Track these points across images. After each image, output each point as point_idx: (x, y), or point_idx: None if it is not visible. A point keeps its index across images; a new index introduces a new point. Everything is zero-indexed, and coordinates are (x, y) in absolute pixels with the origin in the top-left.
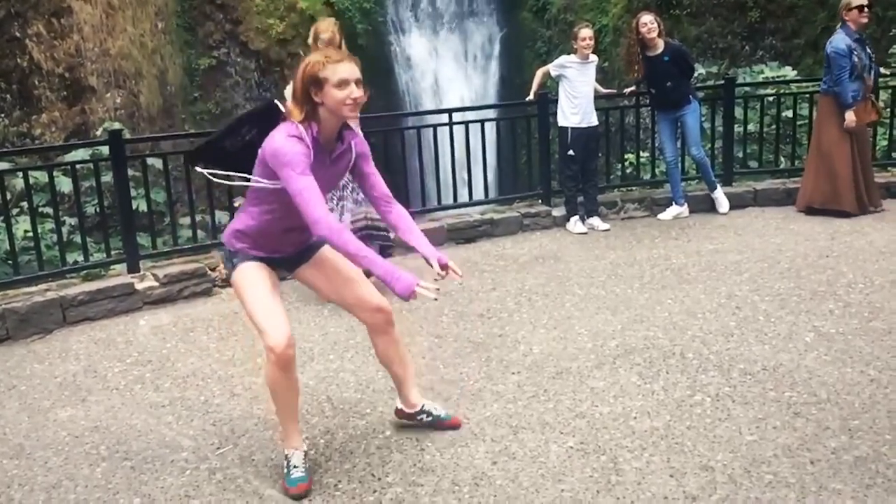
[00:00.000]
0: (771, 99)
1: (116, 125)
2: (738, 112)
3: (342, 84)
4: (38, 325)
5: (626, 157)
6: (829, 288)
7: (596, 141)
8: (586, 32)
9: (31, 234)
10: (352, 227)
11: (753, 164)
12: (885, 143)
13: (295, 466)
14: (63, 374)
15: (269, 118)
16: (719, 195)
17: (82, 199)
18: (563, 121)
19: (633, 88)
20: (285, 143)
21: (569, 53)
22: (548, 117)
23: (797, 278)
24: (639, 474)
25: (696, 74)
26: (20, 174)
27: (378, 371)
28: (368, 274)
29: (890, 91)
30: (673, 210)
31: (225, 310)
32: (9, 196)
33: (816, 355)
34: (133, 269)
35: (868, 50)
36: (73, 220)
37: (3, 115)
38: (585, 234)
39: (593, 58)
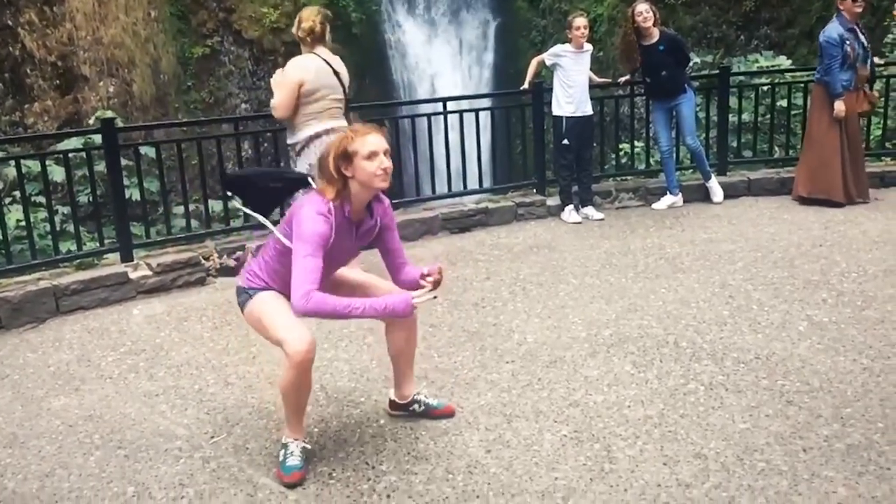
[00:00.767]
0: (765, 88)
1: (109, 114)
2: (733, 101)
3: (372, 156)
4: (31, 315)
5: (620, 146)
6: (822, 277)
7: (590, 130)
8: (581, 21)
9: (23, 223)
10: None
11: (748, 153)
12: (879, 132)
13: (292, 454)
14: (56, 364)
15: (299, 186)
16: (714, 185)
17: (75, 188)
18: (557, 110)
19: (627, 78)
20: (310, 220)
21: (563, 43)
22: (542, 106)
23: (791, 267)
24: (632, 462)
25: (690, 63)
26: (12, 163)
27: (372, 360)
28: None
29: (884, 81)
30: (667, 199)
31: (219, 299)
32: (1, 185)
33: (809, 344)
34: (126, 258)
35: (862, 39)
36: (65, 210)
37: None
38: (580, 223)
39: (588, 47)
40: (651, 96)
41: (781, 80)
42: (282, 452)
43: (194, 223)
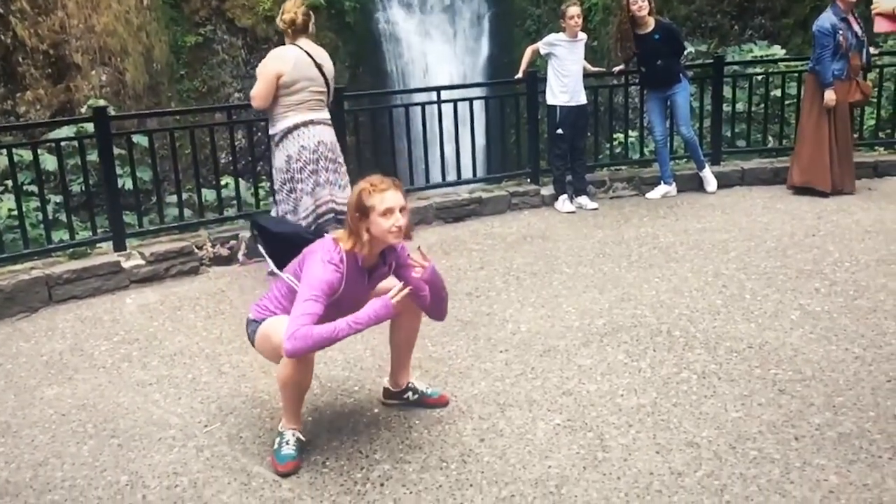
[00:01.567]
0: (760, 78)
1: (101, 102)
2: (727, 91)
3: (388, 213)
4: (24, 304)
5: (614, 136)
6: (815, 266)
7: (585, 119)
8: (574, 10)
9: (15, 212)
10: (316, 212)
11: (741, 143)
12: (872, 122)
13: (287, 443)
14: (49, 353)
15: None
16: (707, 174)
17: (67, 177)
18: (551, 99)
19: (622, 67)
20: (320, 267)
21: (558, 32)
22: (537, 96)
23: (784, 257)
24: (625, 451)
25: (685, 53)
26: (4, 152)
27: (366, 349)
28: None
29: (877, 71)
30: (661, 189)
31: (212, 288)
32: None
33: (802, 333)
34: (119, 247)
35: (856, 29)
36: (58, 199)
37: None
38: (574, 212)
39: (582, 36)
40: (646, 86)
41: (776, 70)
42: (277, 441)
43: (187, 212)
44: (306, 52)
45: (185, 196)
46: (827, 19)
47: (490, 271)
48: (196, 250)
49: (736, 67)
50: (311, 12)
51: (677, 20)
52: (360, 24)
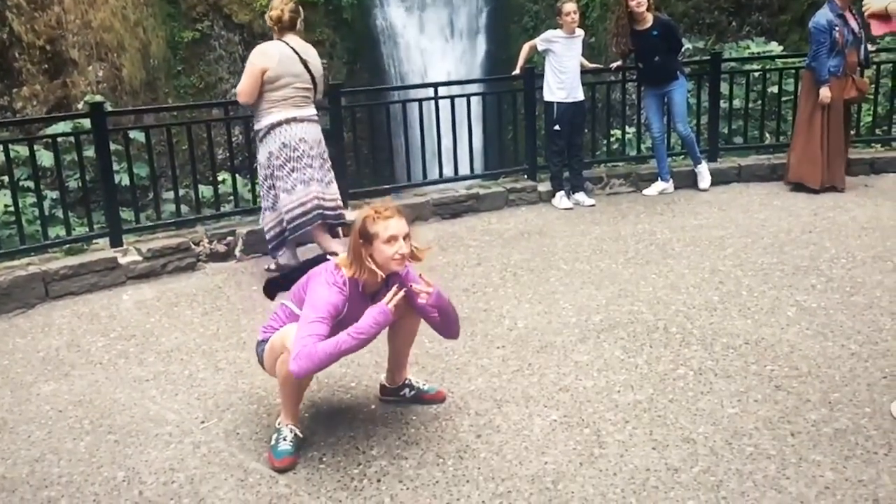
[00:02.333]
0: (757, 75)
1: (98, 98)
2: (724, 88)
3: (391, 240)
4: (21, 300)
5: (612, 132)
6: (811, 263)
7: (582, 116)
8: (570, 7)
9: (12, 208)
10: (301, 209)
11: (738, 140)
12: (869, 119)
13: (284, 439)
14: (46, 349)
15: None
16: (703, 170)
17: (64, 172)
18: (549, 96)
19: (619, 63)
20: (323, 288)
21: (555, 28)
22: (534, 92)
23: (780, 253)
24: (621, 447)
25: (683, 50)
26: (0, 148)
27: None
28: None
29: (874, 68)
30: (658, 185)
31: (209, 284)
32: None
33: (798, 329)
34: (116, 243)
35: (852, 25)
36: (54, 195)
37: None
38: (571, 209)
39: (579, 32)
40: (643, 82)
41: (773, 67)
42: (274, 437)
43: (184, 208)
44: (292, 48)
45: (181, 192)
46: (823, 16)
47: (487, 267)
48: (193, 246)
49: (733, 64)
50: (299, 9)
51: (675, 17)
52: (357, 20)
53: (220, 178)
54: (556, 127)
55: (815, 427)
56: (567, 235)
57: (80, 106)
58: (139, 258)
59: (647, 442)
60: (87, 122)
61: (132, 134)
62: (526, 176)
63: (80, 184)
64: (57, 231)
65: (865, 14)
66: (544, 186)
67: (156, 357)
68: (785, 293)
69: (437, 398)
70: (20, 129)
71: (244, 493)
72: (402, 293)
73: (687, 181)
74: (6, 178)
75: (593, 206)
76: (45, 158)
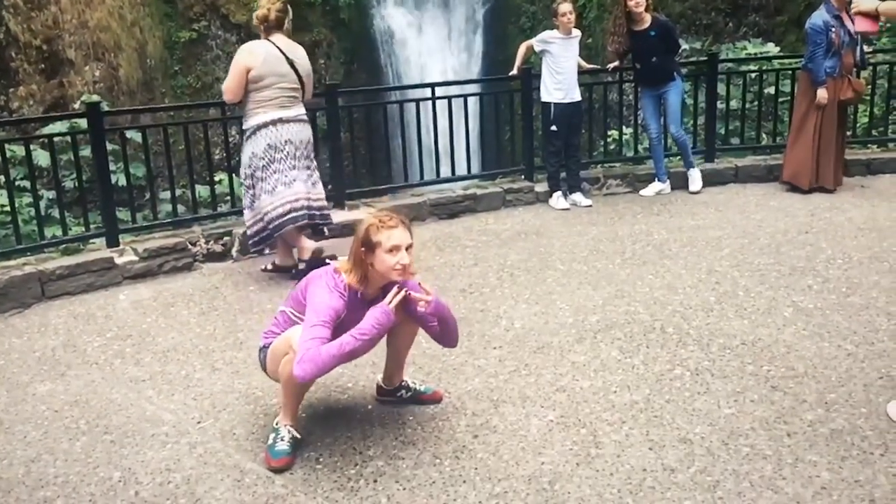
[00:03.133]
0: (753, 75)
1: (95, 98)
2: (721, 88)
3: (394, 250)
4: (17, 300)
5: (609, 133)
6: (808, 263)
7: (579, 117)
8: (566, 7)
9: (8, 208)
10: (288, 207)
11: (735, 140)
12: (865, 120)
13: (282, 439)
14: (42, 349)
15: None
16: (695, 173)
17: (60, 172)
18: (546, 96)
19: (616, 64)
20: (324, 292)
21: (552, 29)
22: (531, 92)
23: (777, 254)
24: (618, 447)
25: (680, 50)
26: None
27: None
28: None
29: (871, 69)
30: (655, 186)
31: (206, 284)
32: None
33: (795, 330)
34: (112, 243)
35: (849, 26)
36: (51, 194)
37: None
38: (568, 209)
39: (576, 33)
40: (640, 83)
41: (769, 68)
42: (272, 436)
43: (181, 208)
44: (279, 47)
45: (178, 192)
46: (820, 17)
47: (484, 268)
48: (190, 246)
49: (730, 65)
50: (287, 8)
51: (672, 17)
52: (354, 20)
53: (216, 178)
54: (553, 127)
55: (811, 427)
56: (564, 236)
57: (76, 106)
58: (136, 258)
59: (644, 442)
60: (83, 122)
61: (129, 134)
62: (523, 176)
63: (77, 184)
64: (53, 231)
65: (852, 11)
66: (541, 187)
67: (152, 357)
68: (781, 294)
69: (434, 399)
70: (16, 128)
71: (240, 493)
72: (402, 293)
73: (684, 182)
74: (2, 178)
75: (590, 206)
76: (42, 158)
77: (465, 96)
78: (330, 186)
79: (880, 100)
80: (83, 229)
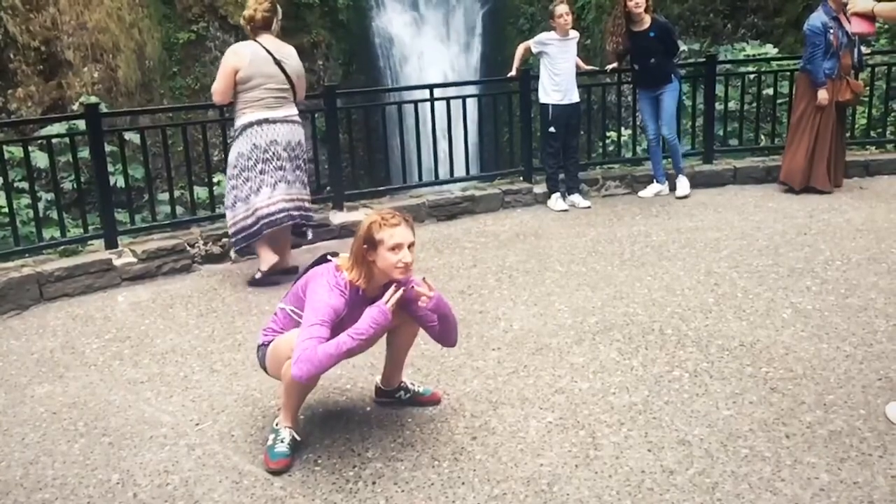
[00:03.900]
0: (752, 77)
1: (93, 99)
2: (719, 90)
3: (396, 248)
4: (15, 302)
5: (607, 134)
6: (806, 265)
7: (577, 118)
8: (562, 9)
9: (6, 209)
10: (272, 209)
11: (734, 141)
12: (864, 121)
13: (282, 441)
14: (40, 351)
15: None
16: (683, 180)
17: (59, 174)
18: (544, 98)
19: (615, 65)
20: (325, 291)
21: (549, 30)
22: (529, 94)
23: (775, 255)
24: (617, 448)
25: (679, 52)
26: None
27: None
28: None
29: (869, 70)
30: (654, 188)
31: (204, 286)
32: None
33: (793, 331)
34: (111, 245)
35: (847, 28)
36: (49, 196)
37: None
38: (566, 211)
39: (574, 34)
40: (638, 84)
41: (768, 69)
42: (272, 437)
43: (179, 210)
44: (266, 48)
45: (177, 193)
46: (818, 18)
47: (483, 269)
48: (188, 248)
49: (728, 66)
50: (276, 9)
51: (670, 19)
52: (353, 21)
53: (215, 180)
54: (551, 129)
55: (810, 429)
56: (563, 237)
57: (75, 107)
58: (134, 260)
59: (643, 444)
60: (82, 124)
61: (127, 135)
62: (522, 178)
63: (75, 185)
64: (52, 232)
65: (849, 11)
66: (540, 188)
67: (150, 359)
68: (780, 295)
69: (433, 400)
70: (15, 130)
71: (239, 495)
72: (400, 292)
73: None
74: (1, 180)
75: (589, 207)
76: (40, 159)
77: (463, 98)
78: (328, 188)
79: (878, 101)
80: (81, 231)
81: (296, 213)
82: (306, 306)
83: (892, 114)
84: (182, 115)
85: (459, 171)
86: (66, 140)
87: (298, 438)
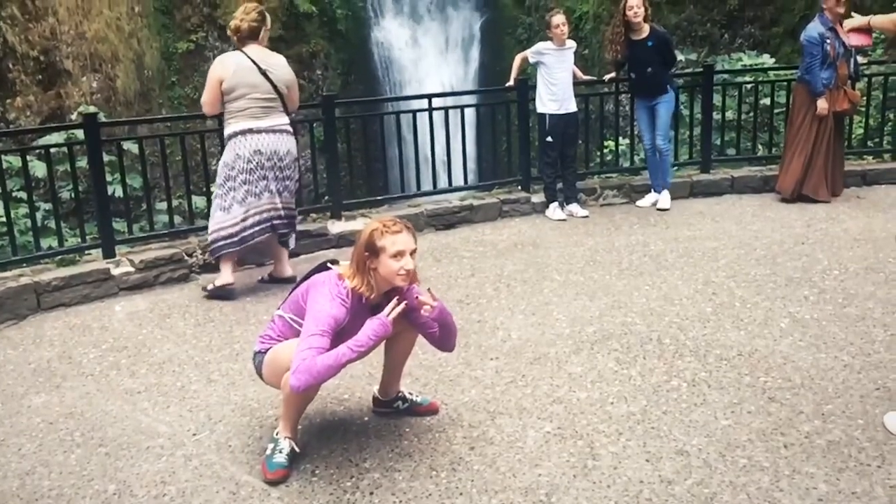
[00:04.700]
0: (749, 87)
1: (92, 109)
2: (717, 100)
3: (398, 255)
4: (12, 311)
5: (605, 144)
6: (804, 274)
7: (575, 127)
8: (559, 19)
9: (3, 219)
10: (257, 219)
11: (731, 151)
12: (860, 131)
13: (280, 451)
14: (37, 361)
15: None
16: (665, 193)
17: (57, 183)
18: (541, 107)
19: (613, 75)
20: (326, 301)
21: (547, 40)
22: (527, 103)
23: (773, 265)
24: (615, 459)
25: (677, 62)
26: None
27: None
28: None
29: (866, 80)
30: (651, 197)
31: (202, 296)
32: None
33: (791, 341)
34: (108, 254)
35: (843, 38)
36: (47, 205)
37: None
38: (564, 220)
39: (571, 44)
40: (634, 93)
41: (765, 79)
42: (270, 447)
43: (177, 219)
44: (251, 58)
45: (175, 203)
46: (814, 28)
47: (481, 278)
48: (186, 257)
49: (725, 76)
50: (264, 19)
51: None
52: (351, 31)
53: (213, 189)
54: (549, 138)
55: (808, 439)
56: (561, 246)
57: (73, 117)
58: (132, 269)
59: (641, 454)
60: (80, 133)
61: (126, 145)
62: (520, 187)
63: (73, 195)
64: (49, 242)
65: (846, 30)
66: (538, 198)
67: (148, 369)
68: (778, 305)
69: (431, 410)
70: (13, 139)
71: None
72: (402, 305)
73: (680, 192)
74: None
75: (587, 217)
76: (38, 169)
77: (461, 107)
78: (326, 197)
79: (875, 111)
80: (79, 240)
81: (277, 222)
82: (307, 315)
83: (889, 123)
84: (180, 125)
85: (457, 180)
86: (65, 149)
87: (297, 450)
